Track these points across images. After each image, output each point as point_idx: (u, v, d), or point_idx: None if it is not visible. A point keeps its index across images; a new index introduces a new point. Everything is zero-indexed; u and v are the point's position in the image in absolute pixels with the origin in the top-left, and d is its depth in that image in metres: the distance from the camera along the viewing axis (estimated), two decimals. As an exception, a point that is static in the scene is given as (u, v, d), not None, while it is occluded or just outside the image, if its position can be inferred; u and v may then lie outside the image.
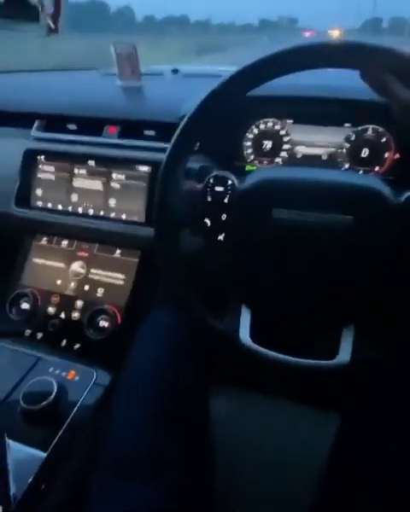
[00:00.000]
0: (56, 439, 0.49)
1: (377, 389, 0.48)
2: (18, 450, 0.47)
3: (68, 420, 0.51)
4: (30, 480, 0.44)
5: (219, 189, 0.50)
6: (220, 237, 0.51)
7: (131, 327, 0.62)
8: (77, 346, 0.63)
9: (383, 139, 0.61)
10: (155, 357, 0.56)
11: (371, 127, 0.61)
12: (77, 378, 0.56)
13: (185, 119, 0.46)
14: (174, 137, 0.46)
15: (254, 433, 0.55)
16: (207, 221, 0.51)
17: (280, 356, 0.45)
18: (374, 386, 0.49)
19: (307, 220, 0.43)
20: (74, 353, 0.62)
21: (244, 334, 0.47)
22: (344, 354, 0.44)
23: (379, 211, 0.42)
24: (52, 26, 0.37)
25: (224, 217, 0.50)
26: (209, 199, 0.50)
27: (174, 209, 0.48)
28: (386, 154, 0.61)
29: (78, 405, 0.53)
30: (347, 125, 0.62)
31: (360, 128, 0.62)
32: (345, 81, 0.60)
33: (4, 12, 0.39)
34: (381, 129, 0.61)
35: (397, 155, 0.61)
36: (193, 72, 1.00)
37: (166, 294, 0.65)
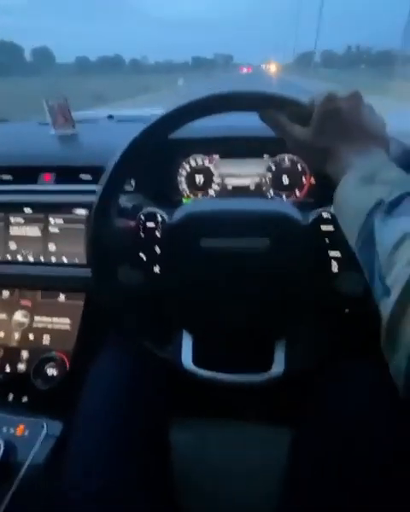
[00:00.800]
0: (8, 499, 0.46)
1: (318, 400, 0.50)
2: None
3: (19, 477, 0.48)
4: None
5: (150, 224, 0.54)
6: (156, 269, 0.53)
7: (80, 372, 0.60)
8: (24, 399, 0.60)
9: (299, 166, 0.68)
10: (108, 399, 0.55)
11: (286, 157, 0.68)
12: (26, 432, 0.53)
13: (111, 164, 0.49)
14: (103, 180, 0.49)
15: (214, 457, 0.54)
16: (143, 255, 0.54)
17: (218, 375, 0.47)
18: (315, 398, 0.51)
19: (232, 245, 0.47)
20: (22, 406, 0.59)
21: (186, 359, 0.49)
22: (278, 367, 0.47)
23: (290, 231, 0.47)
24: None
25: (157, 250, 0.53)
26: (142, 234, 0.54)
27: (110, 246, 0.50)
28: (303, 180, 0.68)
29: (29, 461, 0.50)
30: (266, 156, 0.69)
31: (277, 158, 0.68)
32: (257, 120, 0.67)
33: None
34: (296, 158, 0.68)
35: (312, 180, 0.67)
36: (127, 117, 1.05)
37: (114, 334, 0.65)
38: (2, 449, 0.48)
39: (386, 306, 0.26)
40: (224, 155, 0.71)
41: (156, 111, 1.23)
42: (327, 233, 0.49)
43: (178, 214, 0.50)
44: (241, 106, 0.46)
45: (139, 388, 0.57)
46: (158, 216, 0.53)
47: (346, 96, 0.39)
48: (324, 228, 0.48)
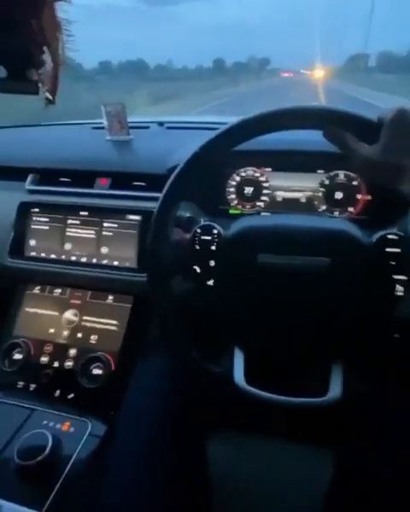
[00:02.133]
0: (52, 497, 0.47)
1: (367, 424, 0.49)
2: (12, 511, 0.45)
3: (64, 475, 0.50)
4: None
5: (206, 237, 0.54)
6: (210, 282, 0.53)
7: (124, 373, 0.62)
8: (71, 395, 0.62)
9: (355, 183, 0.66)
10: (150, 405, 0.56)
11: (341, 173, 0.67)
12: (72, 429, 0.56)
13: (174, 175, 0.50)
14: (164, 191, 0.50)
15: (252, 474, 0.54)
16: (197, 268, 0.54)
17: (273, 396, 0.46)
18: (364, 422, 0.49)
19: (290, 263, 0.47)
20: (68, 403, 0.61)
21: (239, 376, 0.48)
22: (335, 391, 0.46)
23: (353, 252, 0.45)
24: (50, 98, 0.41)
25: (212, 263, 0.53)
26: (197, 247, 0.54)
27: (165, 257, 0.51)
28: (358, 196, 0.67)
29: (73, 459, 0.52)
30: (320, 171, 0.68)
31: (332, 173, 0.67)
32: (312, 134, 0.66)
33: (4, 87, 0.43)
34: (351, 174, 0.66)
35: (368, 197, 0.66)
36: (177, 125, 1.07)
37: (160, 340, 0.66)
38: (50, 444, 0.50)
39: None
40: (276, 168, 0.71)
41: (203, 118, 1.25)
42: (393, 255, 0.47)
43: (235, 228, 0.51)
44: (307, 124, 0.46)
45: (179, 398, 0.58)
46: (214, 229, 0.54)
47: None
48: (389, 249, 0.47)
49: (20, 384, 0.65)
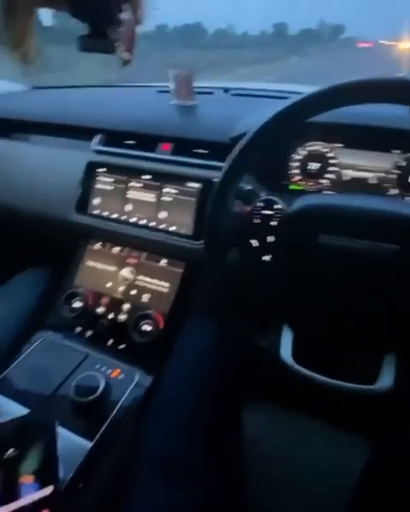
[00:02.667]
0: (101, 432, 0.53)
1: (407, 417, 0.48)
2: (68, 438, 0.51)
3: (112, 415, 0.55)
4: (77, 465, 0.49)
5: (267, 212, 0.53)
6: (266, 258, 0.53)
7: (172, 333, 0.66)
8: (122, 346, 0.67)
9: None
10: (194, 365, 0.59)
11: None
12: (121, 376, 0.61)
13: (241, 145, 0.49)
14: (229, 161, 0.50)
15: (285, 448, 0.56)
16: (254, 242, 0.54)
17: (323, 378, 0.46)
18: (404, 415, 0.49)
19: (353, 247, 0.45)
20: (119, 353, 0.66)
21: (285, 353, 0.49)
22: (386, 380, 0.45)
23: None
24: (127, 58, 0.41)
25: (270, 238, 0.52)
26: (257, 221, 0.53)
27: (223, 229, 0.51)
28: None
29: (120, 402, 0.57)
30: (396, 151, 0.63)
31: (409, 155, 0.62)
32: (394, 109, 0.61)
33: (84, 45, 0.44)
34: None
35: None
36: (243, 92, 1.04)
37: (208, 307, 0.68)
38: (102, 386, 0.55)
39: None
40: (348, 145, 0.67)
41: (269, 85, 1.19)
42: None
43: (298, 204, 0.49)
44: (392, 97, 0.42)
45: (221, 363, 0.60)
46: (276, 204, 0.53)
47: None
48: None
49: (78, 330, 0.71)
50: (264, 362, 0.51)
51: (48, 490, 0.41)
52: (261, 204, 0.53)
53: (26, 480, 0.41)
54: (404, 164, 0.63)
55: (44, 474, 0.42)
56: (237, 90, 1.04)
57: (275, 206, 0.53)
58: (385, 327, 0.48)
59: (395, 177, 0.64)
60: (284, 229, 0.50)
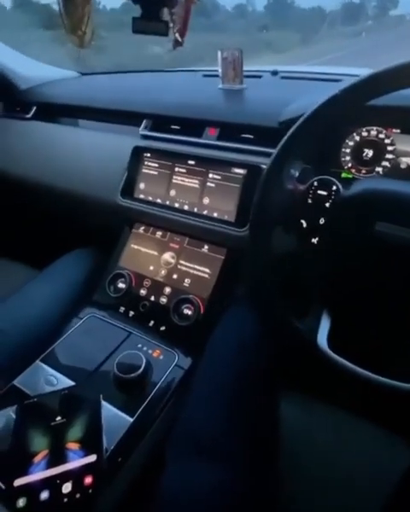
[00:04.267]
0: (141, 409, 0.55)
1: None
2: (110, 411, 0.54)
3: (152, 393, 0.57)
4: (119, 438, 0.51)
5: (322, 192, 0.51)
6: (314, 240, 0.51)
7: (212, 318, 0.66)
8: (163, 328, 0.69)
9: None
10: (233, 350, 0.59)
11: None
12: (161, 357, 0.62)
13: (292, 130, 0.48)
14: (282, 144, 0.48)
15: (320, 441, 0.55)
16: (304, 222, 0.52)
17: (354, 367, 0.45)
18: None
19: None
20: (160, 334, 0.68)
21: (322, 339, 0.48)
22: None
23: None
24: (179, 39, 0.41)
25: (322, 220, 0.50)
26: (310, 201, 0.51)
27: (273, 206, 0.50)
28: None
29: (161, 382, 0.59)
30: None
31: None
32: None
33: (137, 27, 0.44)
34: None
35: None
36: (292, 75, 1.00)
37: (249, 293, 0.68)
38: (143, 364, 0.57)
39: None
40: (406, 131, 0.63)
41: (319, 68, 1.14)
42: None
43: (357, 188, 0.47)
44: None
45: (259, 350, 0.60)
46: (333, 185, 0.50)
47: None
48: None
49: (122, 309, 0.73)
50: (303, 350, 0.51)
51: (92, 457, 0.43)
52: (316, 184, 0.51)
53: (73, 446, 0.44)
54: None
55: (89, 443, 0.44)
56: (287, 72, 1.00)
57: (332, 187, 0.50)
58: None
59: None
60: (339, 212, 0.48)
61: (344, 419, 0.58)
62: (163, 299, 0.72)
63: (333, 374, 0.48)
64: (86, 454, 0.43)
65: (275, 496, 0.48)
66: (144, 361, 0.58)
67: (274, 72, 1.01)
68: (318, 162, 0.63)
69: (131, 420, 0.54)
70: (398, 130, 0.63)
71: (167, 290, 0.72)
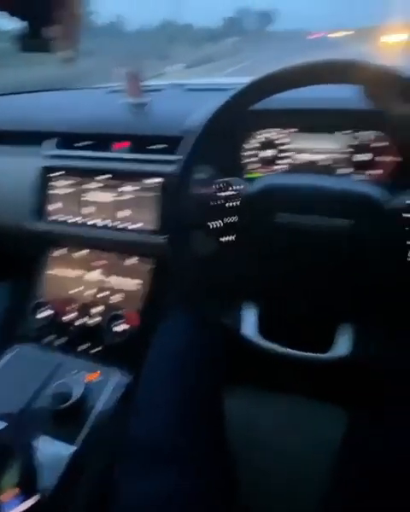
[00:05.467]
0: (82, 436, 0.52)
1: (380, 385, 0.50)
2: (50, 446, 0.50)
3: (92, 418, 0.54)
4: (61, 471, 0.47)
5: (226, 194, 0.54)
6: (228, 238, 0.54)
7: (148, 329, 0.65)
8: (97, 349, 0.66)
9: (384, 144, 0.64)
10: (172, 358, 0.59)
11: (371, 133, 0.64)
12: (100, 379, 0.60)
13: (196, 133, 0.50)
14: (187, 149, 0.50)
15: (266, 428, 0.57)
16: (216, 223, 0.54)
17: (279, 348, 0.48)
18: (377, 382, 0.51)
19: (309, 224, 0.47)
20: (95, 356, 0.65)
21: (249, 329, 0.50)
22: (341, 348, 0.47)
23: (376, 214, 0.45)
24: (69, 56, 0.41)
25: (231, 219, 0.53)
26: (219, 202, 0.54)
27: (186, 211, 0.51)
28: (387, 159, 0.64)
29: (101, 404, 0.56)
30: (347, 131, 0.65)
31: (360, 134, 0.65)
32: (342, 91, 0.63)
33: (23, 45, 0.44)
34: (381, 134, 0.63)
35: (398, 159, 0.63)
36: (197, 87, 1.04)
37: (178, 294, 0.68)
38: (80, 390, 0.54)
39: None
40: (301, 129, 0.69)
41: (221, 80, 1.21)
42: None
43: (257, 185, 0.50)
44: (340, 78, 0.44)
45: (199, 352, 0.60)
46: (235, 186, 0.54)
47: None
48: (405, 215, 0.46)
49: (50, 338, 0.69)
50: (236, 344, 0.52)
51: (32, 500, 0.39)
52: (222, 186, 0.54)
53: (9, 495, 0.40)
54: (355, 143, 0.65)
55: (27, 486, 0.40)
56: (189, 85, 1.04)
57: (235, 187, 0.54)
58: (340, 297, 0.50)
59: (347, 156, 0.66)
60: (244, 209, 0.51)
61: (286, 402, 0.60)
62: (94, 320, 0.69)
63: (270, 363, 0.50)
64: (26, 498, 0.40)
65: (232, 489, 0.48)
66: (79, 387, 0.54)
67: (177, 85, 1.05)
68: (225, 165, 0.66)
69: (74, 449, 0.50)
70: (295, 130, 0.69)
71: (97, 310, 0.70)
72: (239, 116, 0.53)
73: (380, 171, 0.65)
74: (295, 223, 0.47)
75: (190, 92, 0.98)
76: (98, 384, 0.59)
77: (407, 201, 0.47)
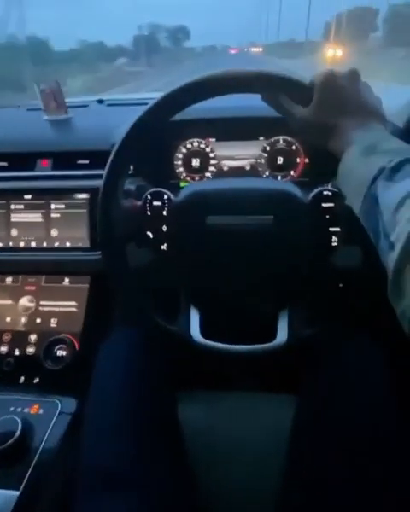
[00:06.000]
0: (28, 476, 0.48)
1: (319, 369, 0.53)
2: None
3: (38, 454, 0.50)
4: None
5: (156, 203, 0.56)
6: (163, 247, 0.56)
7: (89, 351, 0.62)
8: (36, 380, 0.61)
9: (293, 147, 0.69)
10: (118, 376, 0.57)
11: (281, 138, 0.69)
12: (41, 411, 0.55)
13: (117, 144, 0.50)
14: (109, 161, 0.50)
15: (222, 428, 0.57)
16: (150, 233, 0.55)
17: (225, 346, 0.49)
18: (315, 368, 0.54)
19: (236, 223, 0.49)
20: (35, 387, 0.60)
21: (195, 332, 0.51)
22: (282, 335, 0.50)
23: (293, 209, 0.49)
24: None
25: (164, 228, 0.55)
26: (149, 213, 0.55)
27: (118, 226, 0.51)
28: (298, 160, 0.70)
29: (45, 437, 0.52)
30: (261, 138, 0.70)
31: (272, 140, 0.70)
32: (252, 101, 0.68)
33: None
34: (290, 139, 0.69)
35: (306, 160, 0.69)
36: (118, 102, 1.04)
37: (119, 309, 0.67)
38: (20, 427, 0.50)
39: (391, 260, 0.28)
40: (219, 138, 0.72)
41: (146, 95, 1.22)
42: (327, 209, 0.51)
43: (184, 192, 0.52)
44: (242, 88, 0.46)
45: (147, 364, 0.59)
46: (164, 195, 0.55)
47: (344, 73, 0.41)
48: (324, 205, 0.51)
49: (-19, 375, 0.63)
50: (187, 350, 0.53)
51: None
52: (150, 196, 0.56)
53: None
54: (269, 148, 0.70)
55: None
56: (112, 100, 1.04)
57: (164, 197, 0.56)
58: (274, 287, 0.53)
59: (264, 161, 0.70)
60: (175, 217, 0.53)
61: (240, 399, 0.61)
62: (30, 349, 0.65)
63: (218, 363, 0.50)
64: None
65: (193, 500, 0.47)
66: (20, 423, 0.50)
67: (100, 101, 1.05)
68: (155, 176, 0.67)
69: (18, 493, 0.46)
70: (214, 139, 0.72)
71: (33, 338, 0.65)
72: (160, 128, 0.54)
73: (295, 172, 0.70)
74: (224, 224, 0.50)
75: (112, 107, 0.98)
76: (41, 417, 0.55)
77: (324, 192, 0.51)
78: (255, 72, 0.44)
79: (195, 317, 0.53)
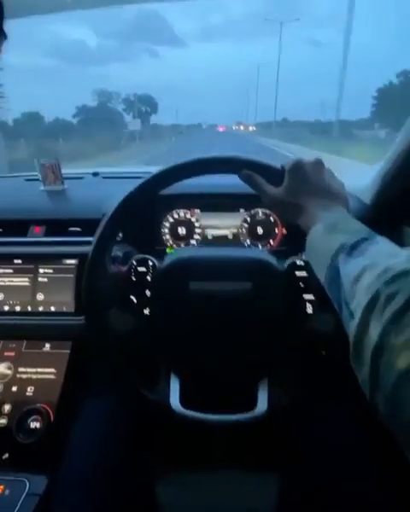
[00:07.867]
0: None
1: (300, 444, 0.52)
2: None
3: None
4: None
5: (141, 269, 0.59)
6: (146, 311, 0.57)
7: (64, 424, 0.59)
8: (5, 455, 0.57)
9: (272, 219, 0.76)
10: (93, 453, 0.54)
11: (260, 210, 0.76)
12: (7, 492, 0.51)
13: (107, 215, 0.54)
14: (98, 230, 0.54)
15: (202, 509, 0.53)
16: (133, 298, 0.57)
17: (204, 415, 0.49)
18: (297, 442, 0.52)
19: (217, 289, 0.52)
20: (4, 464, 0.56)
21: (175, 401, 0.50)
22: (261, 405, 0.49)
23: (270, 276, 0.52)
24: None
25: (148, 293, 0.57)
26: (134, 279, 0.58)
27: (102, 290, 0.53)
28: (276, 230, 0.75)
29: None
30: (242, 210, 0.76)
31: (252, 212, 0.76)
32: (233, 178, 0.75)
33: None
34: (268, 211, 0.76)
35: (284, 231, 0.75)
36: (112, 175, 1.13)
37: (101, 376, 0.65)
38: None
39: (351, 327, 0.30)
40: (204, 209, 0.78)
41: (139, 168, 1.32)
42: (301, 278, 0.54)
43: (169, 259, 0.56)
44: (224, 170, 0.53)
45: (123, 442, 0.56)
46: (149, 261, 0.58)
47: (311, 162, 0.47)
48: (298, 273, 0.54)
49: None
50: (161, 417, 0.51)
51: None
52: (136, 263, 0.58)
53: None
54: (249, 219, 0.76)
55: None
56: (106, 173, 1.12)
57: (149, 263, 0.59)
58: (253, 354, 0.54)
59: (245, 230, 0.76)
60: (159, 282, 0.55)
61: (218, 477, 0.58)
62: (2, 421, 0.61)
63: (195, 434, 0.49)
64: None
65: None
66: None
67: (95, 174, 1.13)
68: (142, 243, 0.70)
69: None
70: (198, 210, 0.78)
71: (7, 408, 0.62)
72: (151, 200, 0.59)
73: (274, 242, 0.75)
74: (205, 289, 0.52)
75: (106, 180, 1.06)
76: (6, 499, 0.50)
77: (297, 262, 0.55)
78: (234, 157, 0.51)
79: (175, 386, 0.52)
